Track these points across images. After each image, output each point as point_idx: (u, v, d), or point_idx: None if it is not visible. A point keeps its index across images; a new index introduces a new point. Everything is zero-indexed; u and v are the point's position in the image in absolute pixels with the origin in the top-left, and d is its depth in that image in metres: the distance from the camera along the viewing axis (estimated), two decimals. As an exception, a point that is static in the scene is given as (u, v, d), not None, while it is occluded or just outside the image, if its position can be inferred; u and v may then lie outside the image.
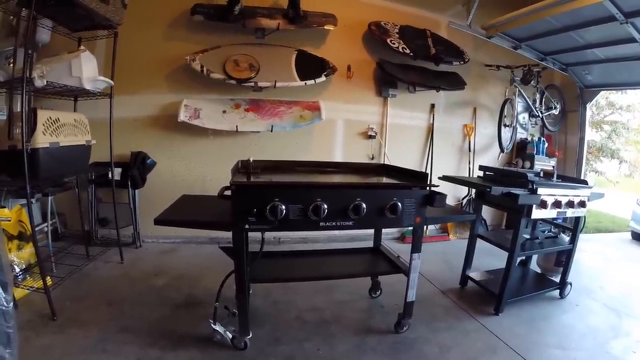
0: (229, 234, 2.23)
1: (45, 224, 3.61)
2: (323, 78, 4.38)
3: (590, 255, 5.18)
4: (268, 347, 2.48)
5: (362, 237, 4.43)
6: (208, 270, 3.56)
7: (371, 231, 3.34)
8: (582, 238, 4.56)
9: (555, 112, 5.69)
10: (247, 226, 2.18)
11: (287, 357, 2.40)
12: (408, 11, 5.01)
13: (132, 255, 3.93)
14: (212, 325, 2.43)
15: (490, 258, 3.85)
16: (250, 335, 2.44)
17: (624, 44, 3.99)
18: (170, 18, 4.24)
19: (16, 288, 2.73)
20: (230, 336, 2.42)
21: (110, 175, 3.82)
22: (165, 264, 3.80)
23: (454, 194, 5.45)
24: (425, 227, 4.80)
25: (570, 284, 3.58)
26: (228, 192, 2.20)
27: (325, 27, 4.39)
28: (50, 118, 2.87)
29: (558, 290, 3.56)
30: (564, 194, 3.18)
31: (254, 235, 2.34)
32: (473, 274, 3.58)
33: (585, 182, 3.55)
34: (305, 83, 4.29)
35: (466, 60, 5.05)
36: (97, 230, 4.22)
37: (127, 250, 3.97)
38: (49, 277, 2.80)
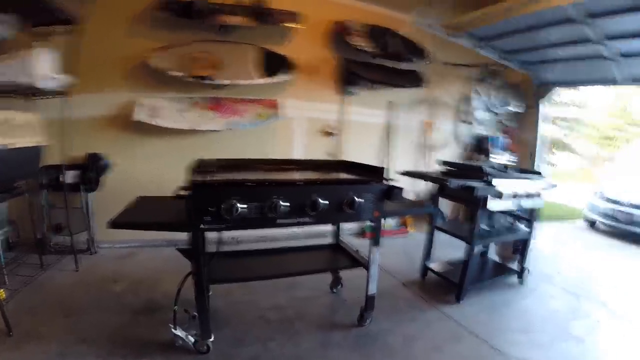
0: (188, 236, 2.19)
1: (-4, 233, 3.42)
2: (284, 76, 4.36)
3: (547, 242, 5.40)
4: (231, 348, 2.45)
5: (322, 233, 4.44)
6: (167, 274, 3.44)
7: (331, 228, 3.36)
8: (539, 226, 4.75)
9: (512, 108, 5.89)
10: (202, 226, 2.14)
11: (252, 358, 2.38)
12: (372, 10, 5.04)
13: (87, 262, 3.77)
14: (173, 330, 2.37)
15: (450, 249, 3.89)
16: (213, 338, 2.39)
17: (581, 43, 4.17)
18: (131, 14, 4.07)
19: (-34, 304, 2.57)
20: (192, 340, 2.37)
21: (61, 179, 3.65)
22: (122, 269, 3.68)
23: (414, 189, 5.52)
24: (384, 220, 4.88)
25: (529, 270, 3.72)
26: (185, 192, 2.15)
27: (289, 25, 4.36)
28: (-2, 119, 2.71)
29: (517, 277, 3.71)
30: (519, 184, 3.30)
31: (213, 236, 2.30)
32: (433, 265, 3.65)
33: (539, 174, 3.69)
34: (266, 81, 4.26)
35: (427, 58, 5.14)
36: (51, 237, 4.02)
37: (82, 257, 3.80)
38: (2, 290, 2.66)
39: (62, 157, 3.57)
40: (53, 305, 2.92)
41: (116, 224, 2.19)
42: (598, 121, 14.41)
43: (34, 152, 3.20)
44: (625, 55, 4.25)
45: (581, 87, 9.79)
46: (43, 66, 3.04)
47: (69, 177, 3.77)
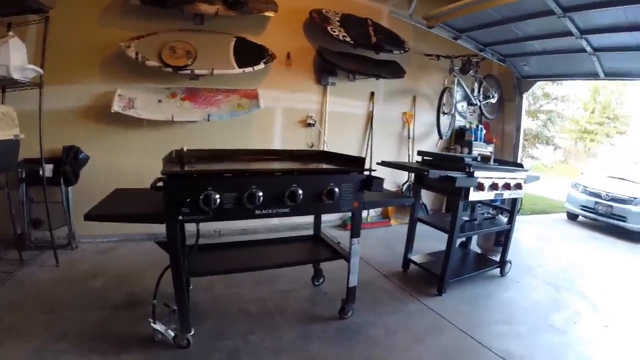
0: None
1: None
2: (262, 66, 4.30)
3: (528, 235, 5.49)
4: (212, 342, 2.42)
5: (304, 226, 4.45)
6: (148, 268, 3.40)
7: (312, 221, 3.34)
8: (520, 219, 4.82)
9: (493, 101, 5.94)
10: (180, 217, 2.10)
11: (232, 352, 2.35)
12: (351, -1, 5.04)
13: (68, 258, 3.69)
14: (152, 324, 2.33)
15: (432, 241, 3.95)
16: (193, 332, 2.36)
17: (561, 37, 4.21)
18: (105, 2, 3.98)
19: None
20: (172, 334, 2.33)
21: (41, 172, 3.56)
22: (103, 264, 3.62)
23: (394, 180, 5.58)
24: (366, 212, 4.86)
25: (510, 262, 3.76)
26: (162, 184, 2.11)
27: (266, 14, 4.31)
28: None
29: (498, 269, 3.74)
30: (500, 176, 3.32)
31: (194, 228, 2.26)
32: (415, 257, 3.67)
33: (521, 166, 3.71)
34: (244, 71, 4.21)
35: (407, 49, 5.14)
36: (31, 232, 3.93)
37: (62, 252, 3.72)
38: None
39: (38, 150, 3.46)
40: (33, 301, 2.86)
41: (91, 216, 2.13)
42: (579, 115, 14.69)
43: (10, 145, 3.10)
44: (606, 49, 4.30)
45: (563, 81, 9.95)
46: (16, 57, 2.95)
47: (48, 170, 3.67)
